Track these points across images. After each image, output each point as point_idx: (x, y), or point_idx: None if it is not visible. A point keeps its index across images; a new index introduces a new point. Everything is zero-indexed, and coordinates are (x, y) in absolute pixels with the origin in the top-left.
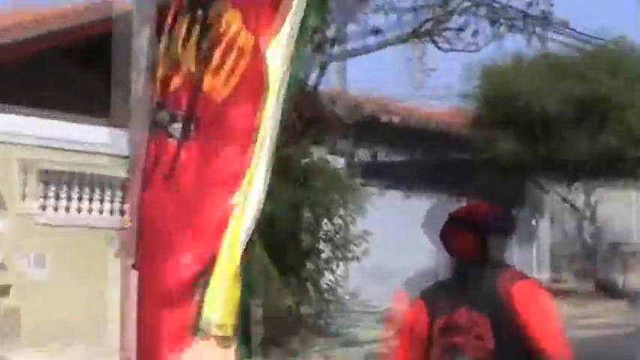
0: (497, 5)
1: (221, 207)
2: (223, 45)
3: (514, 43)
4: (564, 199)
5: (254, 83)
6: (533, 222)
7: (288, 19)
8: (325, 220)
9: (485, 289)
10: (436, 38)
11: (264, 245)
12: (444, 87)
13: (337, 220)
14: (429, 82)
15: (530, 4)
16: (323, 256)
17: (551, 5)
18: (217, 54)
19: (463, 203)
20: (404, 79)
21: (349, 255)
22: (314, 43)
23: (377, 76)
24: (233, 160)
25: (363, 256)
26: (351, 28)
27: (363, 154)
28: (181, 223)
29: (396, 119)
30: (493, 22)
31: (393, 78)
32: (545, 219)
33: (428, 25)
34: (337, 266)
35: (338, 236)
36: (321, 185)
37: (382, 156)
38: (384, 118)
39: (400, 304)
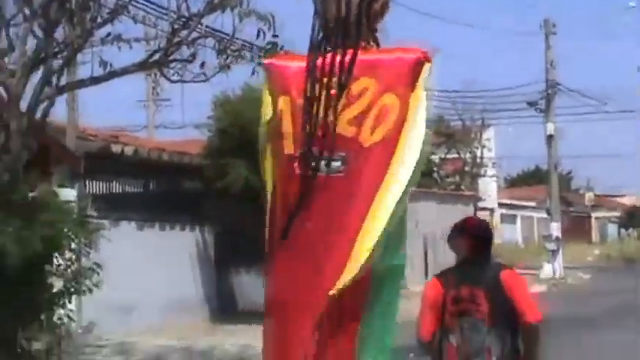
0: (224, 36)
1: (356, 230)
2: (365, 104)
3: (244, 74)
4: None
5: (397, 133)
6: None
7: (422, 80)
8: (55, 254)
9: (480, 272)
10: (164, 69)
11: None
12: (178, 118)
13: (68, 254)
14: (163, 113)
15: (257, 36)
16: (54, 290)
17: (277, 36)
18: (359, 111)
19: (197, 232)
20: (137, 110)
21: (81, 288)
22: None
23: (109, 108)
24: (372, 193)
25: (95, 289)
26: (80, 58)
27: (94, 186)
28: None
29: (128, 150)
30: (220, 53)
31: (126, 109)
32: None
33: (156, 57)
34: (69, 300)
35: (69, 270)
36: (49, 219)
37: (115, 187)
38: (116, 150)
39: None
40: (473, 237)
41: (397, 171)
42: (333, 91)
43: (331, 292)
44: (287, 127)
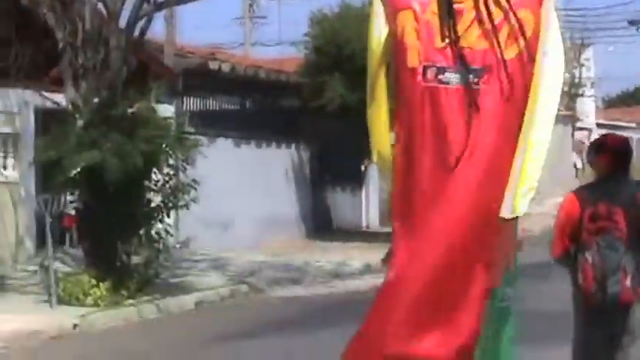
0: None
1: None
2: (497, 19)
3: None
4: None
5: (534, 47)
6: (363, 167)
7: None
8: (154, 170)
9: (618, 190)
10: None
11: (93, 197)
12: (274, 35)
13: (166, 169)
14: (259, 31)
15: None
16: (152, 205)
17: None
18: (491, 25)
19: (293, 150)
20: (234, 27)
21: (178, 204)
22: None
23: (207, 25)
24: (516, 106)
25: (192, 205)
26: None
27: (191, 103)
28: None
29: (225, 67)
30: None
31: (223, 26)
32: (374, 164)
33: None
34: (167, 215)
35: (167, 185)
36: (148, 134)
37: (212, 104)
38: (213, 67)
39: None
40: (611, 154)
41: (542, 85)
42: (462, 6)
43: (507, 215)
44: (411, 40)
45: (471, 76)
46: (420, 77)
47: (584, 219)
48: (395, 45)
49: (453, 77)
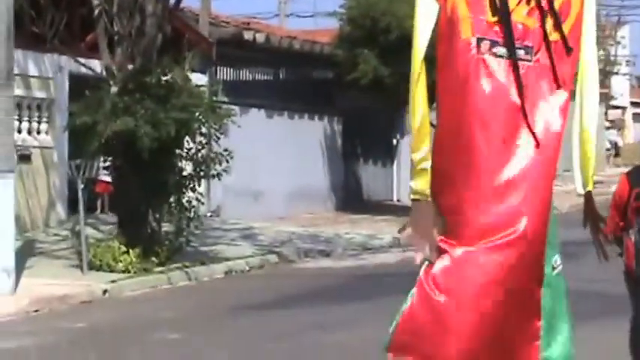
0: None
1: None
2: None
3: None
4: None
5: (578, 29)
6: (395, 141)
7: None
8: (186, 138)
9: None
10: None
11: (126, 164)
12: (309, 7)
13: (198, 138)
14: (295, 2)
15: None
16: (184, 173)
17: None
18: (540, 4)
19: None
20: None
21: (210, 173)
22: None
23: None
24: (568, 83)
25: (224, 174)
26: None
27: (225, 73)
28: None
29: (260, 37)
30: None
31: None
32: (405, 138)
33: None
34: (198, 184)
35: (199, 154)
36: (181, 102)
37: (245, 74)
38: (248, 37)
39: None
40: None
41: (588, 63)
42: None
43: (582, 191)
44: (464, 13)
45: (522, 52)
46: (474, 49)
47: (631, 198)
48: (447, 18)
49: (505, 52)
